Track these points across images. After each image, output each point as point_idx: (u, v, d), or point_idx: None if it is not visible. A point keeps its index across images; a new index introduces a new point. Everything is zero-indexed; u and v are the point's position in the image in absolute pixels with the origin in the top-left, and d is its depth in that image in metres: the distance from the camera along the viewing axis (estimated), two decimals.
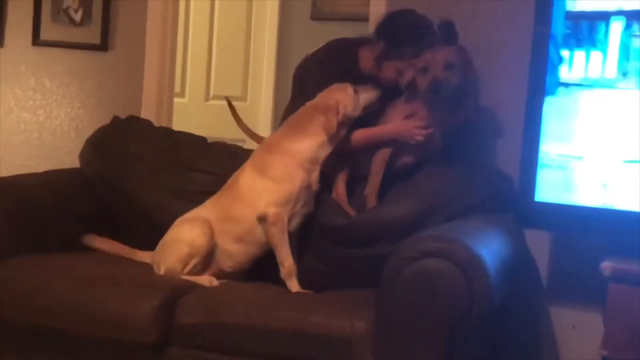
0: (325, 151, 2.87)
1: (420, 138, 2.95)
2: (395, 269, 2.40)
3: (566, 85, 2.82)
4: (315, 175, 2.86)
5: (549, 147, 2.83)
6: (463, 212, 2.86)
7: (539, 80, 2.85)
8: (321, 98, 2.91)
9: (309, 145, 2.84)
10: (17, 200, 2.92)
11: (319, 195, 2.92)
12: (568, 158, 2.82)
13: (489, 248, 2.52)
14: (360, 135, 3.02)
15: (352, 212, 2.93)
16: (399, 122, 3.00)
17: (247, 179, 2.86)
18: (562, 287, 3.16)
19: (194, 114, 4.96)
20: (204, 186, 3.08)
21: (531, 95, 2.88)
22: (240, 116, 3.44)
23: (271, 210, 2.76)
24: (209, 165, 3.18)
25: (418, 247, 2.41)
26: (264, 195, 2.79)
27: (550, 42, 2.82)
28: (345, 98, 2.88)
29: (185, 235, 2.81)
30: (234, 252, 2.84)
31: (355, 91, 2.91)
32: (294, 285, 2.76)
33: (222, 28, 5.16)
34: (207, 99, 5.16)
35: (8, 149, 3.95)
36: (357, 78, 3.10)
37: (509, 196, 2.98)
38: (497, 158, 3.21)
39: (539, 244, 3.11)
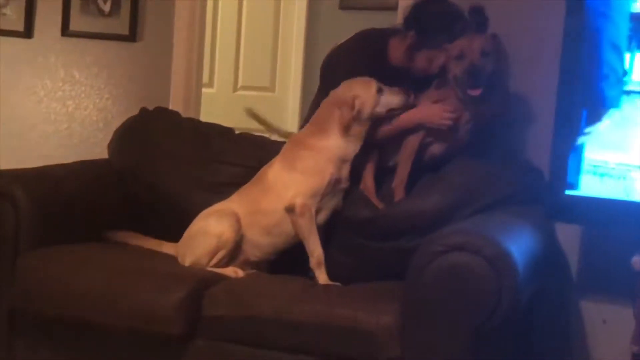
0: (354, 147, 2.84)
1: (447, 122, 2.91)
2: (422, 263, 2.38)
3: (627, 93, 2.76)
4: (345, 172, 2.85)
5: (608, 156, 2.76)
6: (492, 205, 2.83)
7: (571, 70, 2.80)
8: (340, 91, 2.87)
9: (335, 143, 2.82)
10: (46, 191, 2.93)
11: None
12: (628, 167, 2.76)
13: (518, 242, 2.50)
14: (390, 124, 2.99)
15: (380, 205, 2.91)
16: (426, 107, 2.97)
17: (275, 172, 2.86)
18: (593, 282, 3.12)
19: (222, 105, 4.96)
20: (231, 178, 3.08)
21: (562, 85, 2.83)
22: (269, 107, 3.42)
23: (299, 201, 2.76)
24: (236, 158, 3.17)
25: (446, 241, 2.39)
26: (292, 188, 2.79)
27: (612, 49, 2.75)
28: (365, 94, 2.83)
29: (213, 228, 2.81)
30: (262, 243, 2.84)
31: (380, 90, 2.85)
32: (322, 276, 2.75)
33: (250, 18, 5.15)
34: (235, 89, 5.16)
35: (38, 139, 3.98)
36: (387, 70, 3.07)
37: (539, 189, 2.94)
38: (527, 150, 3.17)
39: (569, 237, 3.07)
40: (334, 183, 2.81)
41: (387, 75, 3.08)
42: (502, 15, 3.14)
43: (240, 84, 5.16)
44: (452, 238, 2.40)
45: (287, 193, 2.79)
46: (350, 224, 2.88)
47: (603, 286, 3.08)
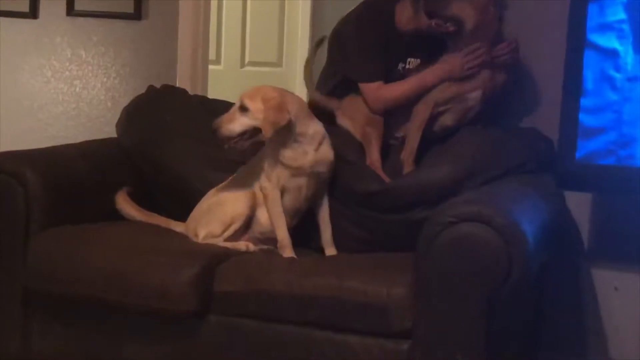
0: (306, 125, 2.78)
1: (473, 67, 2.88)
2: (432, 234, 2.38)
3: None
4: (302, 151, 2.78)
5: None
6: (502, 175, 2.83)
7: (578, 37, 2.78)
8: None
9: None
10: (55, 171, 2.93)
11: (347, 164, 2.90)
12: None
13: (528, 211, 2.49)
14: (408, 83, 2.97)
15: (387, 179, 2.91)
16: (444, 62, 2.95)
17: (260, 156, 2.88)
18: (604, 249, 3.11)
19: (229, 81, 4.94)
20: (238, 156, 3.07)
21: (570, 52, 2.81)
22: (277, 82, 3.39)
23: (264, 183, 2.80)
24: None
25: (455, 212, 2.38)
26: (264, 172, 2.83)
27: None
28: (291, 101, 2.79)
29: (228, 200, 2.84)
30: (263, 219, 2.85)
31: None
32: (286, 254, 2.75)
33: None
34: (242, 65, 5.14)
35: (46, 120, 3.98)
36: (396, 37, 3.06)
37: (548, 158, 2.94)
38: (536, 119, 3.15)
39: (579, 205, 3.07)
40: (292, 168, 2.77)
41: (397, 42, 3.07)
42: None
43: (247, 59, 5.14)
44: (461, 208, 2.40)
45: (262, 176, 2.83)
46: (360, 198, 2.88)
47: (614, 254, 3.08)
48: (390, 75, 3.06)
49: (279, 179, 2.78)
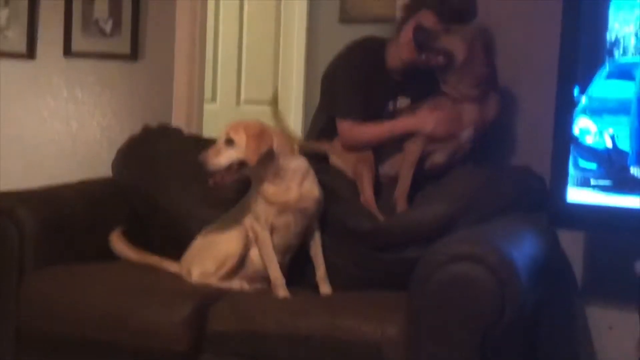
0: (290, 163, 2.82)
1: (440, 132, 2.91)
2: (425, 273, 2.39)
3: None
4: (286, 188, 2.80)
5: None
6: (494, 214, 2.84)
7: (569, 76, 2.81)
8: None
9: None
10: (50, 211, 2.95)
11: (340, 201, 2.92)
12: None
13: (521, 250, 2.50)
14: (380, 128, 3.00)
15: (381, 217, 2.92)
16: (422, 114, 2.98)
17: (250, 197, 2.90)
18: (598, 288, 3.11)
19: (225, 119, 4.92)
20: (232, 194, 3.08)
21: (561, 91, 2.84)
22: (272, 120, 3.42)
23: (252, 223, 2.82)
24: None
25: (448, 251, 2.40)
26: (252, 211, 2.85)
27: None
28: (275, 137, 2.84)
29: (222, 239, 2.85)
30: (256, 258, 2.86)
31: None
32: (280, 293, 2.75)
33: (251, 34, 5.17)
34: (238, 103, 5.17)
35: (42, 160, 3.99)
36: (385, 77, 3.10)
37: (540, 196, 2.95)
38: (528, 157, 3.17)
39: (573, 244, 3.07)
40: (278, 204, 2.79)
41: (386, 81, 3.11)
42: (500, 18, 3.18)
43: (243, 97, 5.18)
44: (454, 247, 2.41)
45: (247, 218, 2.85)
46: (353, 235, 2.88)
47: (608, 292, 3.08)
48: (379, 114, 3.09)
49: (266, 217, 2.80)
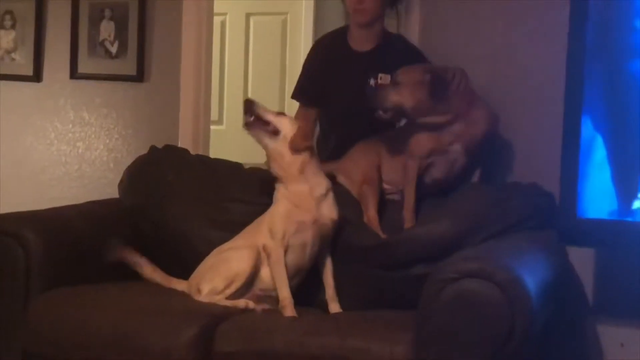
0: (301, 184, 2.82)
1: (420, 148, 2.97)
2: (434, 291, 2.36)
3: None
4: (307, 206, 2.81)
5: None
6: (503, 231, 2.83)
7: (576, 93, 2.80)
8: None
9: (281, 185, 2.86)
10: (57, 232, 2.94)
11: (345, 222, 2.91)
12: None
13: (530, 267, 2.48)
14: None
15: (383, 236, 2.91)
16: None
17: (264, 216, 2.91)
18: (609, 305, 3.09)
19: (232, 141, 4.96)
20: (240, 216, 3.07)
21: (568, 107, 2.83)
22: None
23: (268, 242, 2.81)
24: (244, 194, 3.17)
25: (457, 268, 2.38)
26: (266, 230, 2.84)
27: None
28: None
29: (233, 257, 2.84)
30: (266, 277, 2.84)
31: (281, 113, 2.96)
32: (287, 313, 2.74)
33: (257, 53, 5.20)
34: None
35: (49, 182, 4.00)
36: (353, 58, 3.28)
37: (550, 213, 2.93)
38: (537, 173, 3.15)
39: (583, 260, 3.05)
40: (297, 222, 2.80)
41: (354, 62, 3.27)
42: (505, 38, 3.19)
43: None
44: (463, 265, 2.39)
45: (264, 234, 2.84)
46: (360, 253, 2.87)
47: (620, 309, 3.05)
48: (359, 93, 3.10)
49: (284, 235, 2.78)
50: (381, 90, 2.99)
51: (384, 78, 3.08)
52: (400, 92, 2.93)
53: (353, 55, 3.30)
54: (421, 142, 2.98)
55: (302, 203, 2.81)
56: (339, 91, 3.29)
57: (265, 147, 2.88)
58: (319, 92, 3.34)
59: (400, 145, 3.04)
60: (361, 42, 3.29)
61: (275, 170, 2.87)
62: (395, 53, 3.23)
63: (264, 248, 2.83)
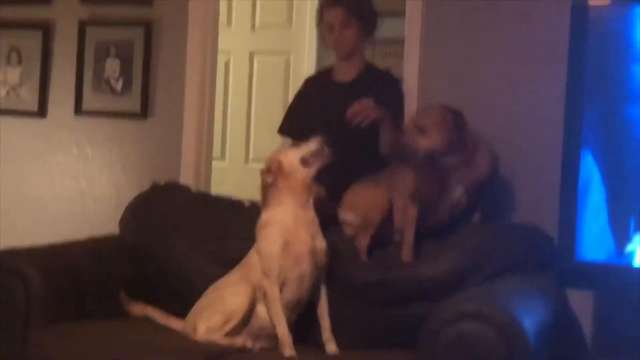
0: (298, 211, 2.83)
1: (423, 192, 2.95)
2: (432, 332, 2.37)
3: None
4: (302, 238, 2.81)
5: None
6: (502, 272, 2.83)
7: (575, 135, 2.82)
8: (266, 164, 2.92)
9: (274, 213, 2.85)
10: (57, 268, 2.95)
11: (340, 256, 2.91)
12: None
13: (529, 310, 2.48)
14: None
15: (364, 258, 2.95)
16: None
17: (252, 255, 2.90)
18: (608, 348, 3.07)
19: (234, 177, 5.00)
20: (241, 253, 3.06)
21: (567, 150, 2.85)
22: None
23: (260, 283, 2.80)
24: (243, 231, 3.15)
25: (455, 309, 2.39)
26: (258, 270, 2.83)
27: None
28: (279, 154, 2.91)
29: (229, 295, 2.84)
30: (262, 314, 2.84)
31: (293, 146, 2.97)
32: (286, 353, 2.72)
33: (260, 91, 5.23)
34: (246, 161, 5.21)
35: (51, 217, 4.01)
36: (336, 89, 3.38)
37: (549, 255, 2.93)
38: (536, 216, 3.16)
39: (582, 303, 3.03)
40: (294, 256, 2.79)
41: (338, 93, 3.34)
42: (508, 70, 3.22)
43: (251, 156, 5.21)
44: (461, 306, 2.40)
45: (256, 274, 2.82)
46: (358, 290, 2.87)
47: (619, 353, 3.04)
48: (343, 122, 3.12)
49: (280, 271, 2.78)
50: (409, 140, 2.94)
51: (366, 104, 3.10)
52: (429, 137, 2.90)
53: (335, 86, 3.42)
54: (424, 184, 2.96)
55: (298, 232, 2.81)
56: (322, 121, 3.36)
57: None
58: (303, 126, 3.41)
59: (400, 186, 3.04)
60: (343, 73, 3.42)
61: (281, 192, 2.85)
62: (375, 82, 3.35)
63: (259, 288, 2.82)
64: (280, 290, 2.79)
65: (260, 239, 2.87)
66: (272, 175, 2.85)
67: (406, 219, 2.99)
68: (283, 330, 2.75)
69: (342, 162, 3.05)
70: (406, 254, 2.95)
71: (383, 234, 3.02)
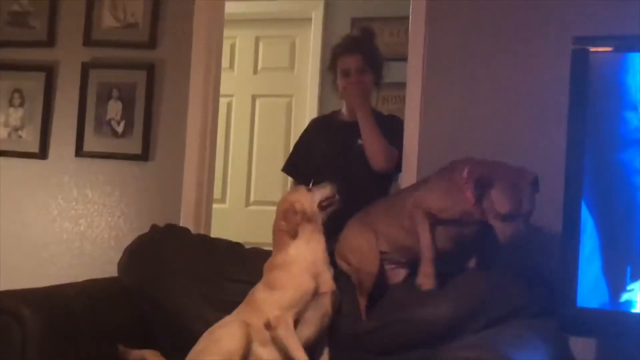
0: (317, 245, 2.91)
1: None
2: None
3: None
4: (324, 278, 2.87)
5: None
6: (503, 318, 2.81)
7: (576, 184, 2.81)
8: (279, 206, 3.00)
9: (297, 251, 2.90)
10: (55, 311, 2.92)
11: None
12: None
13: (529, 357, 2.45)
14: None
15: (365, 317, 2.90)
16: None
17: (260, 293, 2.90)
18: None
19: (234, 219, 5.00)
20: (241, 296, 3.05)
21: (568, 196, 2.83)
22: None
23: (273, 314, 2.79)
24: (243, 274, 3.16)
25: (455, 356, 2.36)
26: (272, 304, 2.83)
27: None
28: (299, 195, 2.98)
29: (224, 337, 2.82)
30: (259, 353, 2.81)
31: (309, 190, 3.01)
32: None
33: (262, 133, 5.26)
34: (247, 204, 5.21)
35: (49, 258, 4.00)
36: (342, 125, 3.54)
37: (549, 302, 2.91)
38: (536, 261, 3.14)
39: (584, 350, 3.01)
40: (312, 291, 2.82)
41: (344, 128, 3.48)
42: (509, 115, 3.26)
43: (252, 199, 5.21)
44: (461, 353, 2.37)
45: (267, 309, 2.82)
46: (354, 337, 2.84)
47: None
48: (348, 151, 3.45)
49: (303, 306, 2.79)
50: (497, 225, 2.78)
51: None
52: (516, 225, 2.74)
53: (340, 124, 3.56)
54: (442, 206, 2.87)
55: (323, 273, 2.86)
56: (327, 157, 3.52)
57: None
58: (307, 162, 3.57)
59: (398, 213, 3.00)
60: (349, 115, 3.54)
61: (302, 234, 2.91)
62: (382, 121, 3.49)
63: (267, 324, 2.78)
64: (298, 327, 2.79)
65: (280, 277, 2.88)
66: (298, 217, 2.89)
67: (422, 243, 2.89)
68: (303, 356, 2.72)
69: (350, 197, 3.08)
70: (426, 281, 2.86)
71: (380, 287, 2.99)
